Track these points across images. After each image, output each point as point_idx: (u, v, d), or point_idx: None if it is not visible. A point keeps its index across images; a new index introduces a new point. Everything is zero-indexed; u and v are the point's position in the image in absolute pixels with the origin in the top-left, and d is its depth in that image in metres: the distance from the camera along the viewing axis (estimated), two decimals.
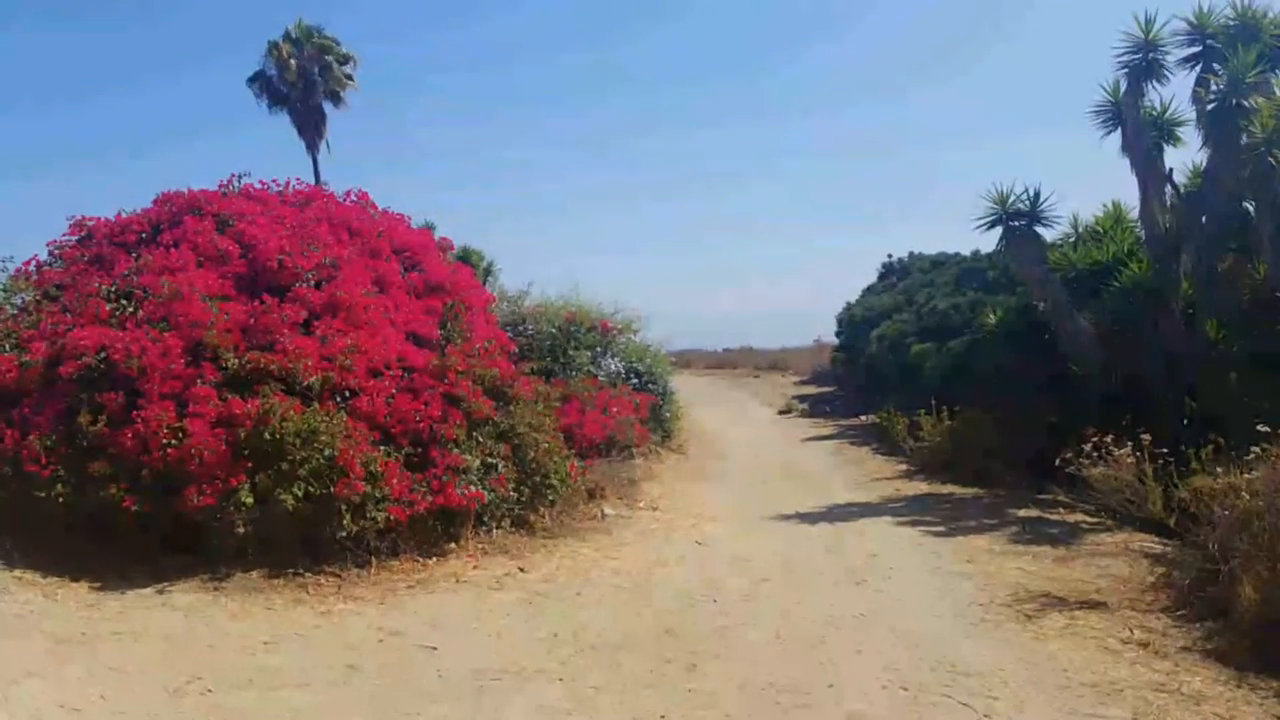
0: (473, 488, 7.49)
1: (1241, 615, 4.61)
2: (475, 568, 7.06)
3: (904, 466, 12.07)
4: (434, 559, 7.19)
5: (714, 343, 41.33)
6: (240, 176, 9.90)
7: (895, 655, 4.87)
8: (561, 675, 4.76)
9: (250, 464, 6.70)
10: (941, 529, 8.19)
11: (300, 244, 8.60)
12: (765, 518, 8.98)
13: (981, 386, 11.99)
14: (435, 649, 5.22)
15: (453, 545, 7.48)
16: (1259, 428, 5.26)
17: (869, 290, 24.19)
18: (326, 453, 6.73)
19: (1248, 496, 4.93)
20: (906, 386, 14.90)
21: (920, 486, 10.72)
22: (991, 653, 4.84)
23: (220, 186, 9.72)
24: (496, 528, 7.90)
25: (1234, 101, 8.66)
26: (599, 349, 13.78)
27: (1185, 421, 9.24)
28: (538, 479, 8.32)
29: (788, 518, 8.96)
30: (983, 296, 14.81)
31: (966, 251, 20.59)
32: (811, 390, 25.09)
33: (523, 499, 8.14)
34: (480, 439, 8.06)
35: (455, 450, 7.69)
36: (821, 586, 6.42)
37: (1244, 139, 8.69)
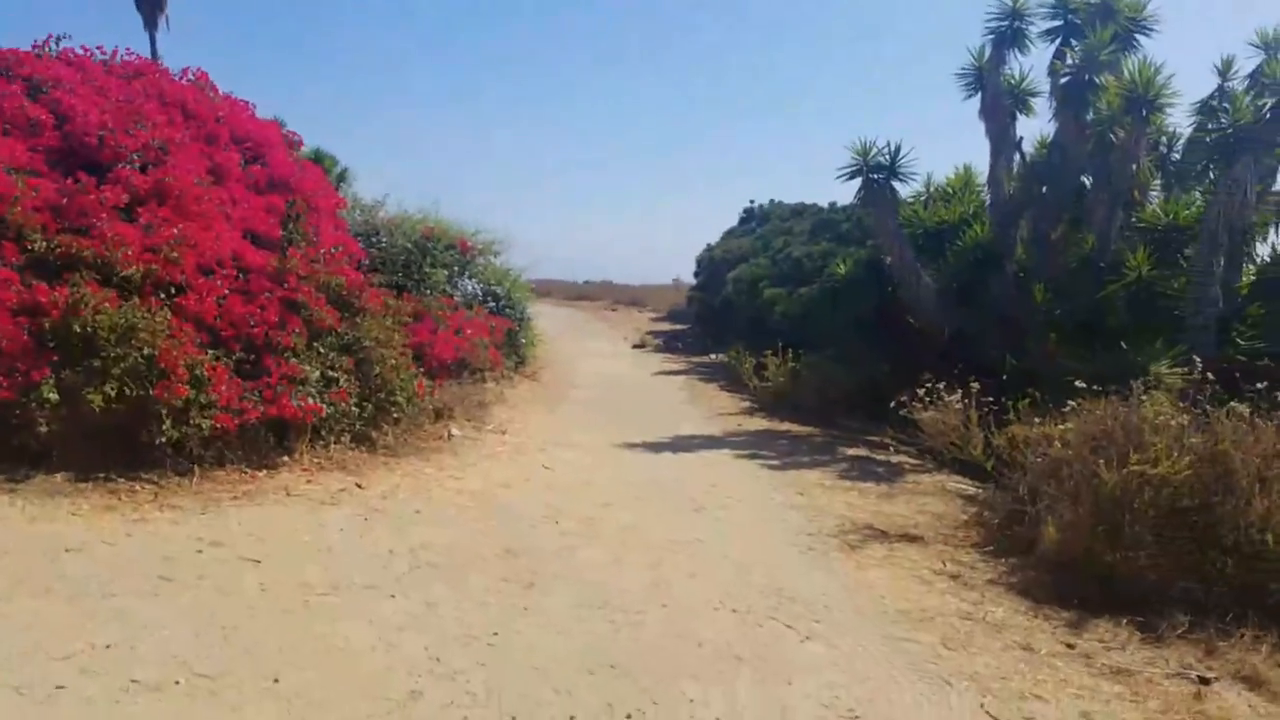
0: (310, 400, 7.12)
1: (1043, 553, 5.01)
2: (309, 482, 6.73)
3: (748, 404, 12.44)
4: (264, 471, 6.81)
5: (576, 274, 41.13)
6: (59, 39, 8.83)
7: (727, 579, 5.01)
8: (395, 591, 4.62)
9: (56, 358, 6.09)
10: (778, 463, 8.50)
11: (125, 120, 7.78)
12: (613, 445, 9.05)
13: (827, 332, 12.49)
14: (259, 562, 4.95)
15: (286, 458, 7.10)
16: (1076, 384, 5.64)
17: (729, 233, 24.54)
18: (146, 351, 6.18)
19: (1059, 445, 5.31)
20: (757, 328, 15.31)
21: (761, 423, 11.08)
22: (817, 580, 5.06)
23: (35, 48, 8.63)
24: (335, 443, 7.55)
25: (1086, 77, 9.15)
26: (456, 269, 13.34)
27: (1005, 376, 9.95)
28: (382, 395, 8.01)
29: (635, 446, 9.06)
30: (835, 247, 15.29)
31: (825, 203, 21.19)
32: (667, 327, 25.47)
33: (365, 415, 7.81)
34: (322, 350, 7.67)
35: (293, 359, 7.27)
36: (663, 513, 6.53)
37: (1090, 114, 9.23)
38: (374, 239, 12.38)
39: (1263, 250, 9.18)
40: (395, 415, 8.15)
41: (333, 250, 8.81)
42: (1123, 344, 8.31)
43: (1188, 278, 8.71)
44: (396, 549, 5.31)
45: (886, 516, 6.48)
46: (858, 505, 6.85)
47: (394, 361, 8.18)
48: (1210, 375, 5.10)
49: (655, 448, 9.07)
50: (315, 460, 7.20)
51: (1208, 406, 4.93)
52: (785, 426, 10.79)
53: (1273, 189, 9.02)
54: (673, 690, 3.61)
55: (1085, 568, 4.67)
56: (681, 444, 9.35)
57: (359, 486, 6.76)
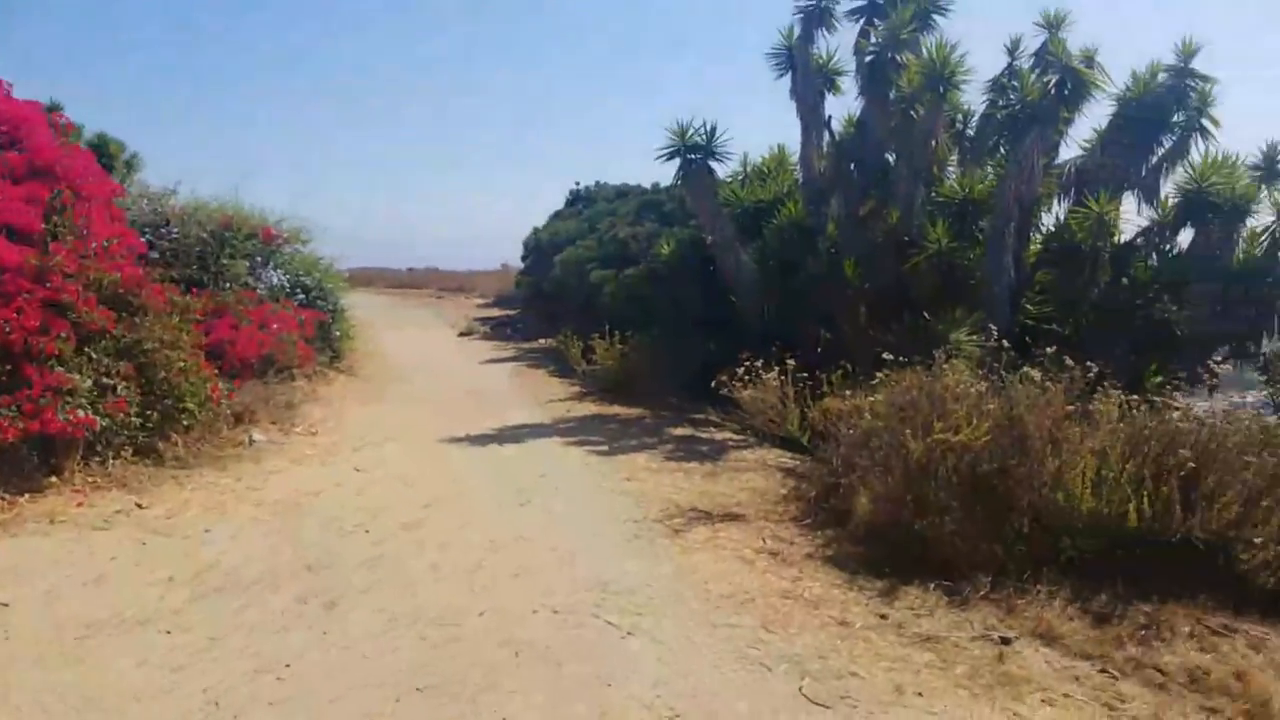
0: (82, 412, 6.36)
1: (857, 523, 5.10)
2: (80, 505, 5.99)
3: (577, 389, 12.27)
4: (27, 496, 6.01)
5: (400, 262, 39.74)
6: None
7: (551, 577, 4.80)
8: (173, 625, 4.12)
9: None
10: (606, 448, 8.37)
11: None
12: (436, 440, 8.64)
13: (653, 313, 12.49)
14: (6, 605, 4.30)
15: (54, 479, 6.31)
16: (883, 356, 5.78)
17: (556, 215, 24.21)
18: None
19: (869, 417, 5.42)
20: (586, 311, 15.14)
21: (590, 407, 10.93)
22: (642, 569, 4.93)
23: None
24: (115, 458, 6.79)
25: (889, 55, 9.44)
26: (260, 259, 12.37)
27: (820, 350, 10.27)
28: (169, 402, 7.29)
29: (459, 440, 8.69)
30: (660, 228, 15.32)
31: (648, 184, 21.26)
32: (495, 313, 24.95)
33: (150, 425, 7.07)
34: (94, 356, 6.89)
35: (59, 368, 6.46)
36: (487, 509, 6.24)
37: (893, 93, 9.55)
38: (164, 230, 11.28)
39: (1048, 221, 9.83)
40: (186, 423, 7.43)
41: (105, 244, 7.89)
42: (925, 314, 8.71)
43: (983, 249, 9.21)
44: (178, 575, 4.77)
45: (711, 496, 6.46)
46: (683, 487, 6.81)
47: (182, 364, 7.46)
48: (1005, 343, 5.33)
49: (481, 440, 8.72)
50: (90, 479, 6.45)
51: (1003, 373, 5.15)
52: (614, 410, 10.69)
53: (1056, 162, 9.65)
54: (487, 708, 3.37)
55: (896, 536, 4.78)
56: (509, 434, 9.05)
57: (140, 506, 6.08)
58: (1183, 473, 4.17)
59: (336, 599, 4.46)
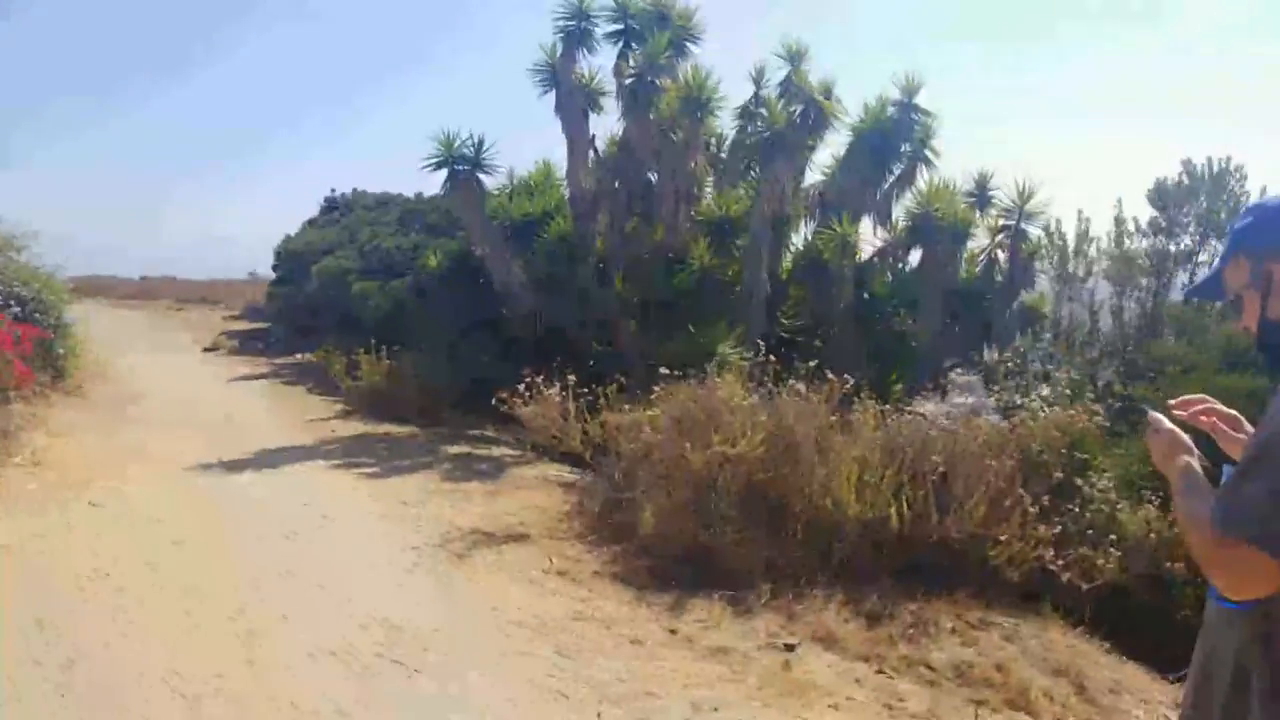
0: None
1: (642, 538, 5.19)
2: None
3: (341, 407, 11.62)
4: None
5: (129, 269, 35.97)
6: None
7: (325, 617, 4.48)
8: None
9: None
10: (377, 470, 7.98)
11: None
12: (184, 468, 7.83)
13: (422, 326, 12.11)
14: None
15: None
16: (659, 369, 5.94)
17: (311, 223, 22.88)
18: None
19: (649, 430, 5.54)
20: (348, 325, 14.42)
21: (358, 427, 10.40)
22: (425, 601, 4.73)
23: None
24: None
25: (648, 79, 9.75)
26: None
27: (592, 362, 10.43)
28: None
29: (211, 468, 7.93)
30: (426, 239, 14.90)
31: (411, 194, 20.60)
32: (244, 326, 23.15)
33: None
34: None
35: None
36: (246, 545, 5.71)
37: (652, 114, 9.88)
38: None
39: (797, 240, 10.59)
40: None
41: None
42: (691, 327, 9.08)
43: (740, 265, 9.76)
44: None
45: (493, 517, 6.32)
46: (463, 508, 6.61)
47: None
48: (772, 356, 5.66)
49: (237, 467, 8.01)
50: None
51: (771, 385, 5.46)
52: (385, 429, 10.23)
53: (803, 186, 10.42)
54: None
55: (680, 548, 4.92)
56: (268, 459, 8.38)
57: None
58: (934, 477, 4.63)
59: (73, 659, 3.90)
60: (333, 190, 23.86)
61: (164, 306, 30.07)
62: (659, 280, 10.26)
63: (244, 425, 10.22)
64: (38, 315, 11.45)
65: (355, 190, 23.19)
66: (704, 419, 5.21)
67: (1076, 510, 4.66)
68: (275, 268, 22.78)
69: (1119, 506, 4.72)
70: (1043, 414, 5.20)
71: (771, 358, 5.66)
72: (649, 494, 5.27)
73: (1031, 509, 4.52)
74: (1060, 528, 4.59)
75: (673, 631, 4.29)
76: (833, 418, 5.07)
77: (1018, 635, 4.25)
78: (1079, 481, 4.82)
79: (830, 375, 5.21)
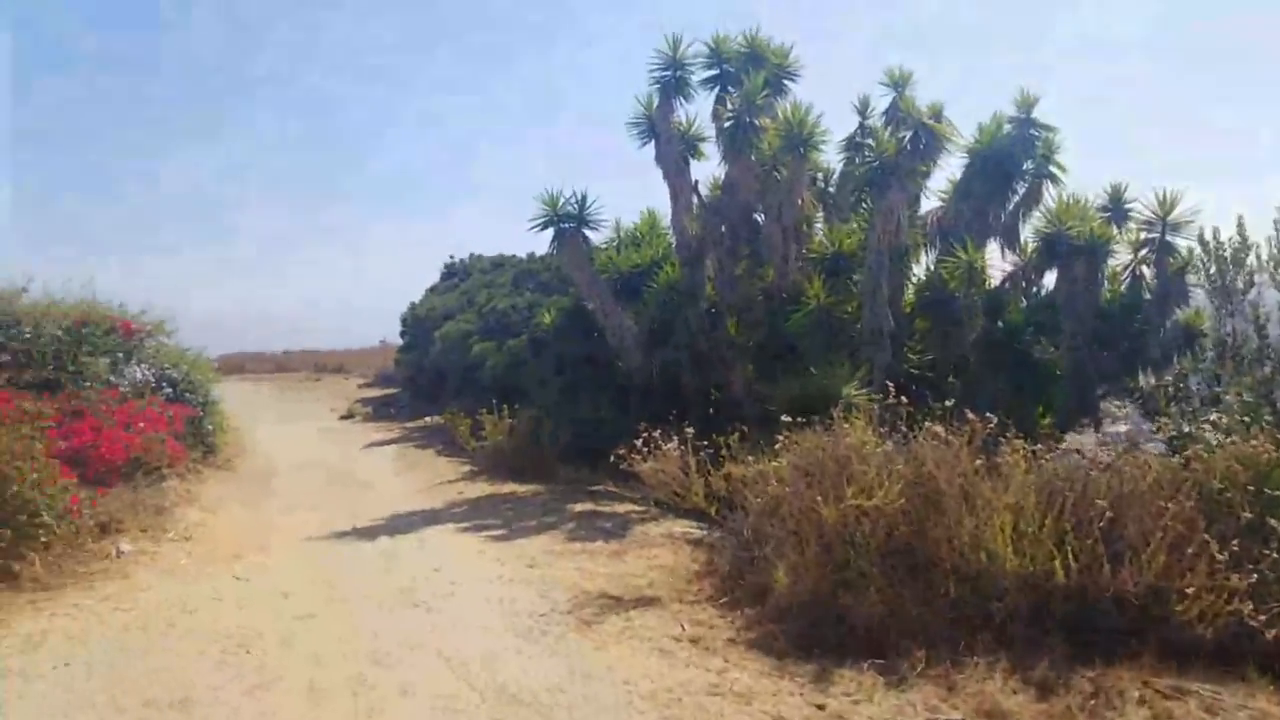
0: None
1: (777, 599, 4.87)
2: None
3: (468, 468, 11.79)
4: None
5: (272, 345, 38.14)
6: None
7: (446, 688, 4.35)
8: None
9: None
10: (503, 532, 7.95)
11: None
12: (321, 538, 8.02)
13: (538, 383, 12.21)
14: None
15: None
16: (780, 416, 5.65)
17: (432, 290, 23.76)
18: None
19: (775, 483, 5.25)
20: (470, 386, 14.76)
21: (484, 487, 10.48)
22: (550, 671, 4.55)
23: None
24: None
25: (747, 120, 9.61)
26: (121, 355, 11.60)
27: (711, 410, 10.20)
28: (23, 518, 6.55)
29: (345, 535, 8.10)
30: (539, 297, 15.16)
31: (523, 254, 21.12)
32: (376, 393, 24.08)
33: (2, 544, 6.31)
34: None
35: None
36: (372, 614, 5.71)
37: (754, 155, 9.72)
38: (14, 331, 10.41)
39: (918, 271, 10.13)
40: (44, 539, 6.68)
41: None
42: (811, 369, 8.75)
43: (858, 301, 9.38)
44: None
45: (620, 579, 6.13)
46: (589, 570, 6.45)
47: (35, 475, 6.75)
48: (903, 398, 5.28)
49: (369, 534, 8.15)
50: None
51: (903, 428, 5.09)
52: (509, 488, 10.26)
53: (919, 214, 10.00)
54: None
55: (819, 611, 4.58)
56: (398, 525, 8.51)
57: None
58: (1101, 523, 4.15)
59: None
60: (451, 256, 24.76)
61: (302, 378, 31.61)
62: (773, 322, 10.00)
63: (377, 491, 10.45)
64: (187, 395, 12.18)
65: (472, 255, 23.97)
66: (834, 468, 4.89)
67: (1274, 555, 4.07)
68: (402, 334, 23.69)
69: None
70: (1219, 445, 4.63)
71: (902, 398, 5.27)
72: (780, 551, 4.95)
73: (1220, 555, 3.97)
74: (1256, 576, 4.02)
75: (820, 707, 3.94)
76: (978, 461, 4.65)
77: (1220, 706, 3.69)
78: (1272, 521, 4.23)
79: (970, 414, 4.79)
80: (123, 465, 8.99)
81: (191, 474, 10.96)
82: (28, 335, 10.39)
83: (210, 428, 12.49)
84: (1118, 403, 8.90)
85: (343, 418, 19.49)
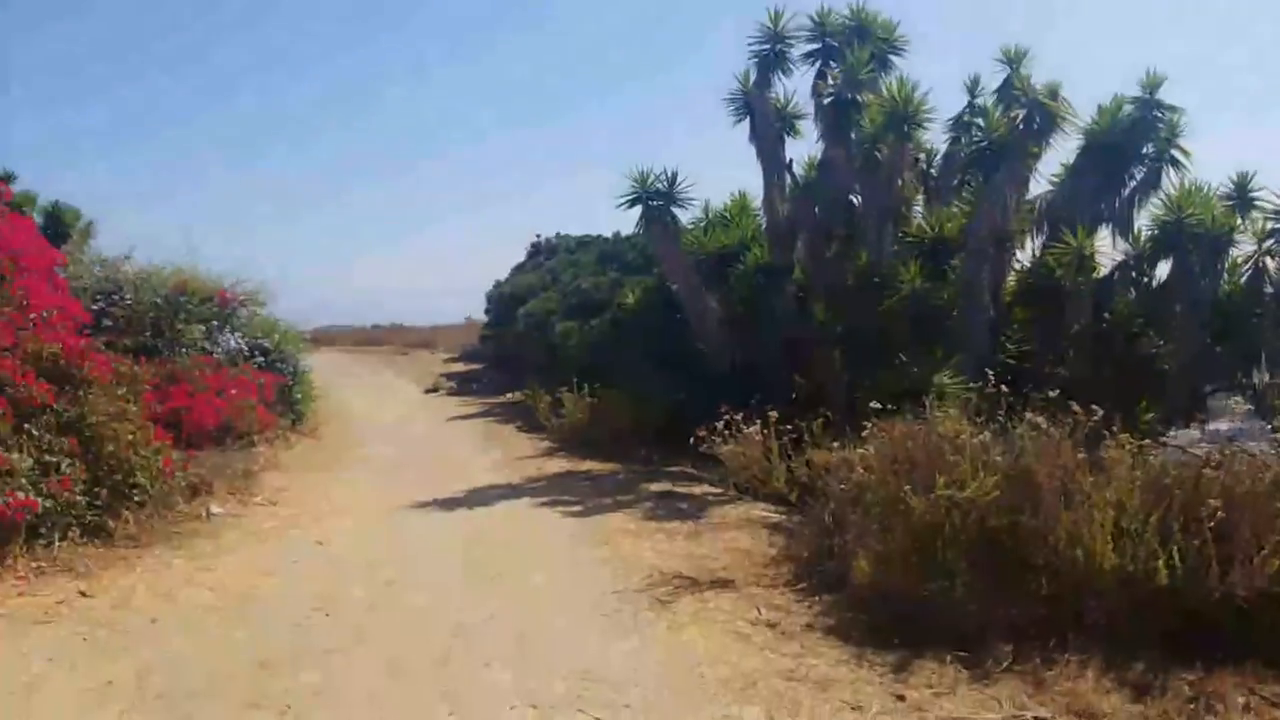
0: (22, 494, 5.88)
1: (857, 588, 4.71)
2: (21, 594, 5.45)
3: (547, 444, 11.85)
4: None
5: (362, 319, 39.28)
6: None
7: (527, 665, 4.35)
8: None
9: None
10: (579, 508, 7.95)
11: None
12: (401, 507, 8.16)
13: (620, 363, 12.18)
14: None
15: None
16: (868, 403, 5.46)
17: (518, 268, 23.98)
18: None
19: (861, 470, 5.08)
20: (552, 364, 14.83)
21: (561, 464, 10.52)
22: (626, 650, 4.50)
23: None
24: (61, 539, 6.28)
25: (849, 96, 9.33)
26: (216, 323, 12.01)
27: (794, 396, 9.99)
28: (119, 477, 6.84)
29: (425, 505, 8.22)
30: (623, 277, 15.09)
31: (609, 234, 21.09)
32: (460, 368, 24.49)
33: (99, 502, 6.59)
34: (35, 432, 6.43)
35: None
36: (453, 587, 5.77)
37: (854, 133, 9.42)
38: (116, 297, 10.90)
39: (1022, 257, 9.69)
40: (138, 498, 6.99)
41: (45, 315, 7.52)
42: (902, 357, 8.46)
43: (957, 288, 9.03)
44: (118, 678, 4.26)
45: (696, 560, 6.05)
46: (665, 550, 6.38)
47: (131, 436, 7.03)
48: (1004, 388, 5.02)
49: (449, 505, 8.26)
50: (34, 565, 5.92)
51: (1000, 418, 4.85)
52: (586, 466, 10.27)
53: (1026, 198, 9.54)
54: None
55: (902, 602, 4.41)
56: (477, 497, 8.60)
57: (84, 594, 5.55)
58: (1212, 524, 3.87)
59: (290, 703, 3.97)
60: (538, 235, 24.91)
61: (390, 352, 32.42)
62: (864, 307, 9.70)
63: (458, 464, 10.59)
64: (279, 364, 12.54)
65: (558, 234, 24.08)
66: (924, 458, 4.69)
67: None
68: (487, 311, 24.01)
69: None
70: None
71: (1003, 388, 5.01)
72: (863, 540, 4.79)
73: None
74: None
75: (899, 698, 3.79)
76: (1080, 455, 4.39)
77: None
78: None
79: (1075, 406, 4.52)
80: (214, 430, 9.32)
81: (280, 440, 11.33)
82: (129, 302, 10.85)
83: (299, 396, 12.86)
84: (1236, 399, 8.36)
85: (427, 391, 19.85)
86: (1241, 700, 3.55)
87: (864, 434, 5.50)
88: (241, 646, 4.70)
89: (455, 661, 4.43)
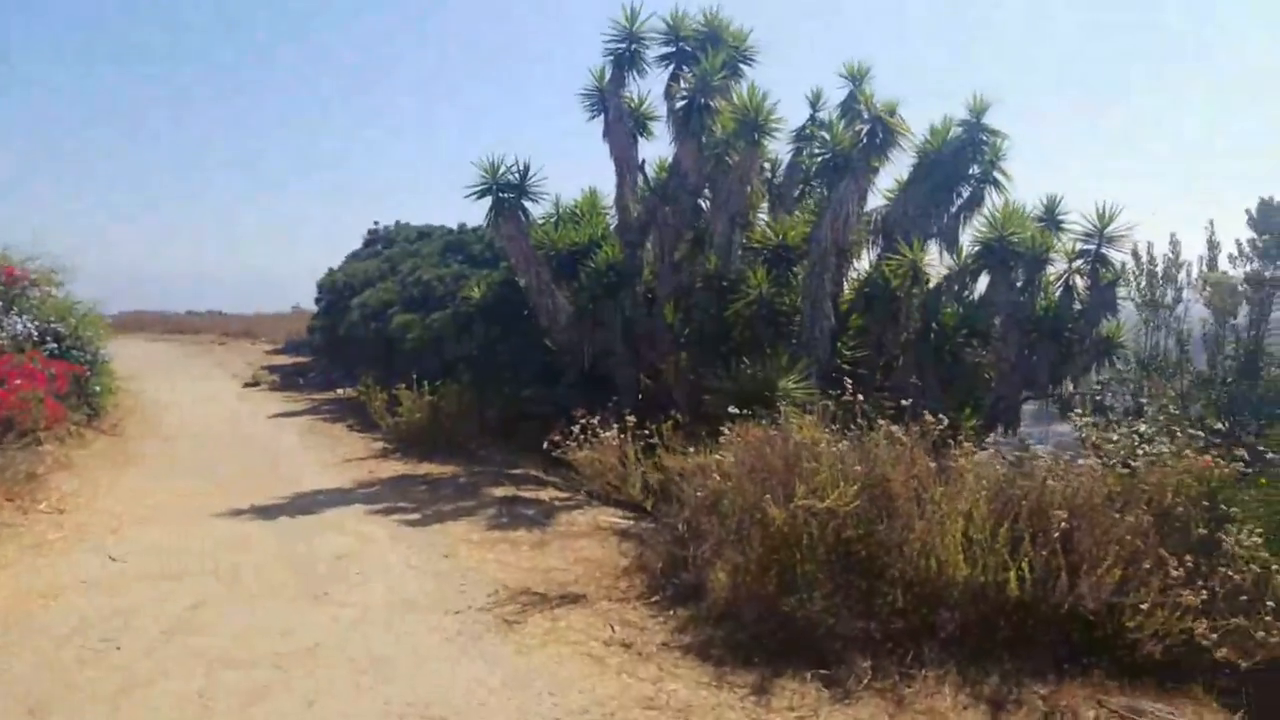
0: None
1: (714, 601, 4.58)
2: None
3: (382, 445, 11.20)
4: None
5: (177, 304, 36.40)
6: None
7: (359, 702, 3.92)
8: None
9: None
10: (418, 516, 7.48)
11: None
12: (213, 515, 7.41)
13: (464, 359, 11.71)
14: None
15: None
16: (729, 408, 5.36)
17: (353, 256, 22.70)
18: None
19: (717, 477, 4.96)
20: (389, 359, 14.12)
21: (398, 466, 9.95)
22: (471, 679, 4.15)
23: None
24: None
25: (701, 100, 9.29)
26: (3, 304, 10.65)
27: (640, 396, 9.89)
28: None
29: (242, 514, 7.51)
30: (468, 270, 14.55)
31: (454, 225, 20.33)
32: (286, 361, 23.04)
33: None
34: None
35: None
36: (273, 607, 5.21)
37: (705, 138, 9.41)
38: None
39: (859, 267, 10.00)
40: None
41: None
42: (745, 360, 8.51)
43: (801, 294, 9.18)
44: None
45: (544, 573, 5.76)
46: (511, 562, 6.06)
47: None
48: (860, 396, 5.02)
49: (268, 513, 7.57)
50: None
51: (851, 424, 4.86)
52: (425, 469, 9.75)
53: (865, 211, 9.83)
54: None
55: (760, 616, 4.31)
56: (302, 504, 7.95)
57: None
58: (1058, 534, 3.97)
59: None
60: (375, 223, 23.69)
61: (207, 341, 30.16)
62: (711, 310, 9.72)
63: (279, 466, 9.83)
64: (74, 351, 11.27)
65: (398, 223, 23.00)
66: (782, 465, 4.62)
67: (1226, 571, 3.97)
68: (317, 300, 22.63)
69: (1274, 567, 4.02)
70: (1171, 458, 4.51)
71: (859, 395, 5.01)
72: (719, 550, 4.67)
73: (1175, 571, 3.85)
74: (1206, 593, 3.91)
75: None
76: (931, 464, 4.44)
77: None
78: (1223, 537, 4.13)
79: (930, 416, 4.57)
80: None
81: (73, 437, 10.19)
82: None
83: (97, 389, 11.61)
84: (1054, 407, 8.97)
85: (246, 385, 18.51)
86: (1092, 714, 3.64)
87: (719, 438, 5.40)
88: (8, 688, 4.02)
89: (273, 699, 3.93)
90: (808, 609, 4.18)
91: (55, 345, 11.06)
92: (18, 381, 8.93)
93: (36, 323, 11.15)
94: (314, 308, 23.07)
